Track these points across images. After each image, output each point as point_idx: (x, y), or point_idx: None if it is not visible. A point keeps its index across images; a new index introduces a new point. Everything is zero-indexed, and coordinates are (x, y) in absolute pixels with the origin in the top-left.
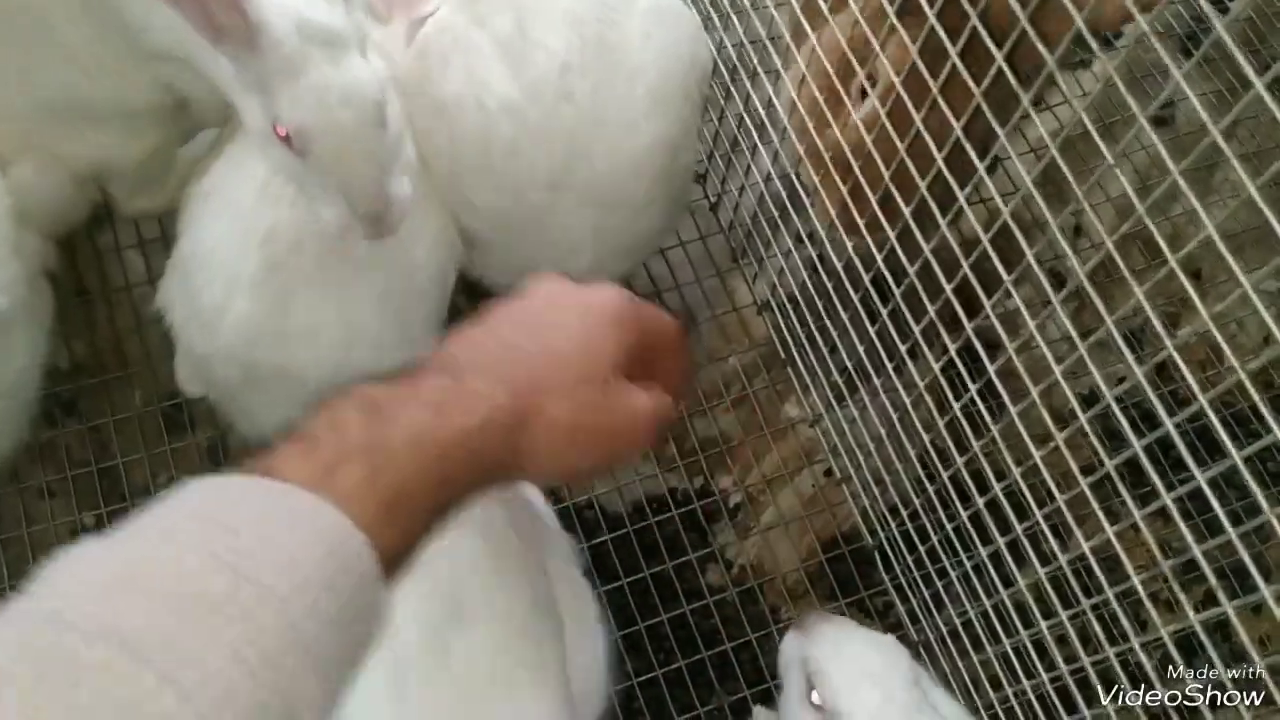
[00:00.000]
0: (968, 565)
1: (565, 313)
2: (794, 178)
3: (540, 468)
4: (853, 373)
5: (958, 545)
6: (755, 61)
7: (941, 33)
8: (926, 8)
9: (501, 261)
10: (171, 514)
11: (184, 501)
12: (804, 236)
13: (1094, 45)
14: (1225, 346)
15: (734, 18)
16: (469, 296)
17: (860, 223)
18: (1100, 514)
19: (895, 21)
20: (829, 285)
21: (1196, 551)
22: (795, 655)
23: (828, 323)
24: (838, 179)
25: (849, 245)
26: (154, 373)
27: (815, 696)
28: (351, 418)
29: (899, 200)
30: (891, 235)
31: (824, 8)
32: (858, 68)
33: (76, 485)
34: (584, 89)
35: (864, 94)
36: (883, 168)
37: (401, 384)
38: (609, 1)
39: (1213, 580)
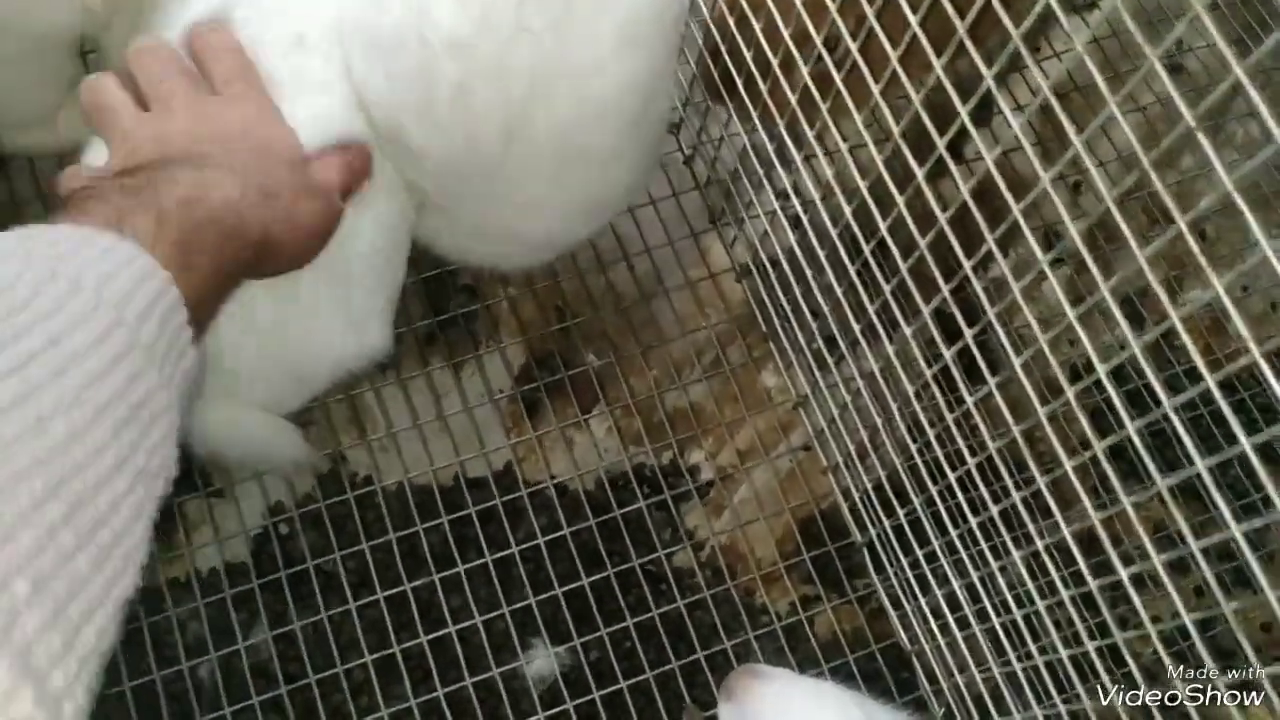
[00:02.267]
0: (974, 577)
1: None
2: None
3: (283, 260)
4: (844, 350)
5: (964, 551)
6: None
7: None
8: None
9: (450, 222)
10: None
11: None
12: (790, 191)
13: None
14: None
15: None
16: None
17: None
18: (1150, 547)
19: None
20: (821, 253)
21: (1257, 579)
22: None
23: (815, 292)
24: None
25: (847, 210)
26: None
27: None
28: (112, 188)
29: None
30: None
31: None
32: None
33: None
34: (544, 22)
35: None
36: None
37: (144, 172)
38: None
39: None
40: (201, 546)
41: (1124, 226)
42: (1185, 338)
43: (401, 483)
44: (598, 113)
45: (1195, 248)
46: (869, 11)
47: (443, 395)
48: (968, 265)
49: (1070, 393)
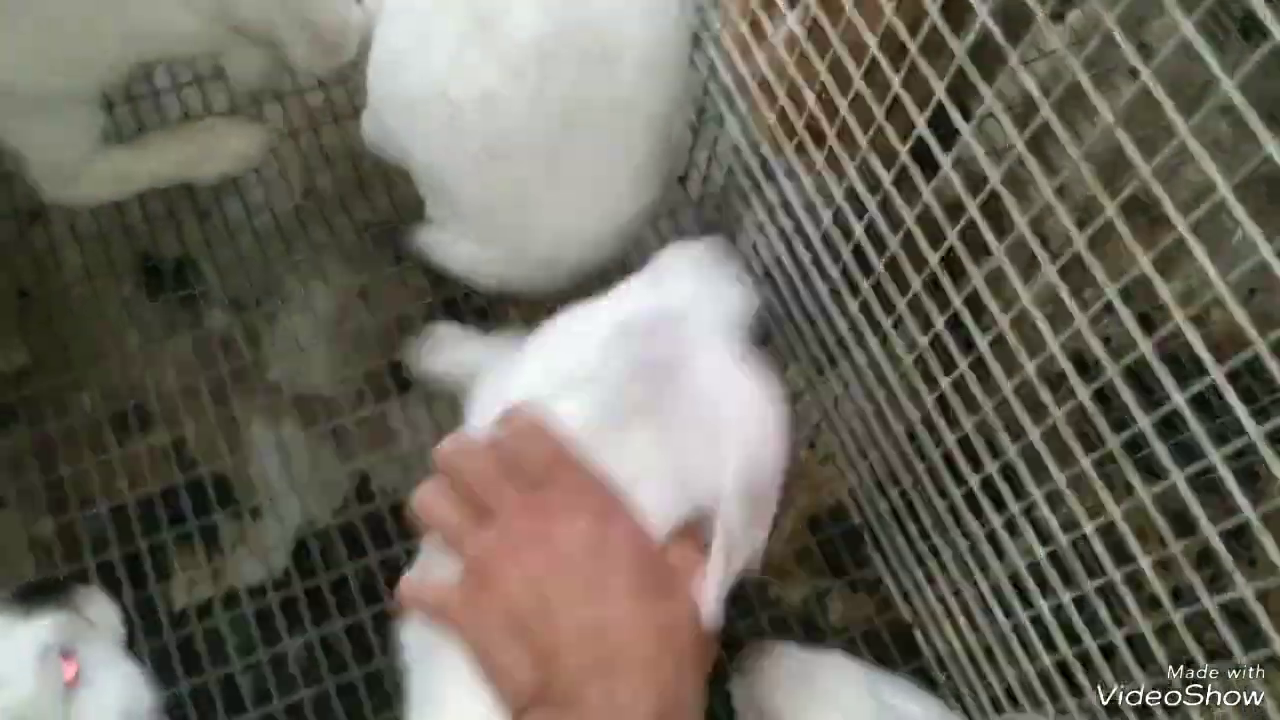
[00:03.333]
0: (961, 546)
1: (608, 554)
2: (756, 147)
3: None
4: (832, 348)
5: (950, 523)
6: (719, 25)
7: None
8: None
9: (500, 261)
10: None
11: None
12: (774, 207)
13: None
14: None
15: None
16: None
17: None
18: (1104, 493)
19: None
20: (806, 259)
21: (1212, 535)
22: (747, 703)
23: (802, 297)
24: (780, 93)
25: (825, 217)
26: (100, 375)
27: None
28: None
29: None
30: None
31: None
32: None
33: (23, 497)
34: (572, 63)
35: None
36: (819, 75)
37: (560, 706)
38: None
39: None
40: (246, 557)
41: (1076, 236)
42: (1140, 338)
43: None
44: (628, 139)
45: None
46: (855, 75)
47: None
48: (950, 284)
49: (1041, 387)
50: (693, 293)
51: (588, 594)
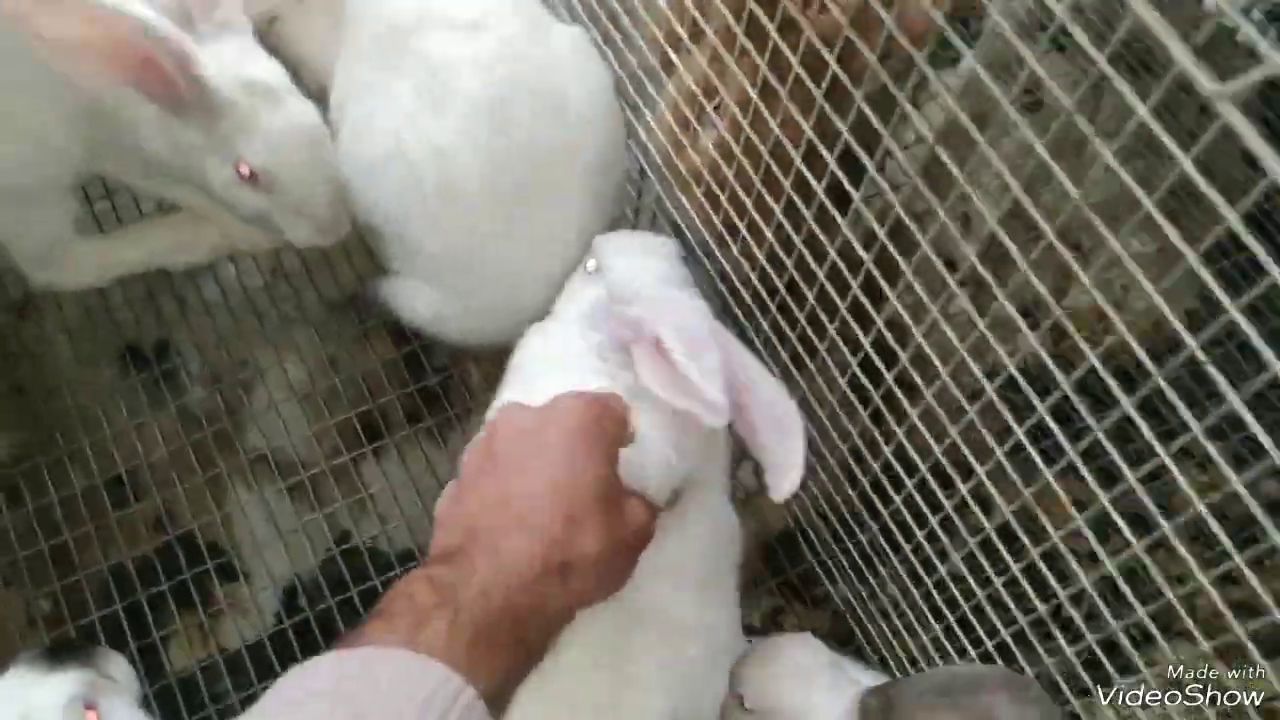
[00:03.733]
0: (875, 532)
1: (545, 450)
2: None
3: (592, 594)
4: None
5: (885, 540)
6: (633, 93)
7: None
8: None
9: (461, 309)
10: (296, 690)
11: (305, 679)
12: (702, 255)
13: (954, 40)
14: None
15: (609, 52)
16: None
17: (723, 233)
18: (1013, 474)
19: (731, 63)
20: (733, 302)
21: (1105, 500)
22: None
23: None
24: (700, 196)
25: (747, 267)
26: (95, 448)
27: (747, 703)
28: (421, 589)
29: (754, 212)
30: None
31: (684, 40)
32: (705, 102)
33: (29, 567)
34: (527, 116)
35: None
36: (735, 182)
37: (452, 562)
38: (519, 37)
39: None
40: (238, 615)
41: (980, 259)
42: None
43: (410, 548)
44: (577, 181)
45: (1016, 249)
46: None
47: (435, 463)
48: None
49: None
50: (628, 267)
51: (505, 476)
